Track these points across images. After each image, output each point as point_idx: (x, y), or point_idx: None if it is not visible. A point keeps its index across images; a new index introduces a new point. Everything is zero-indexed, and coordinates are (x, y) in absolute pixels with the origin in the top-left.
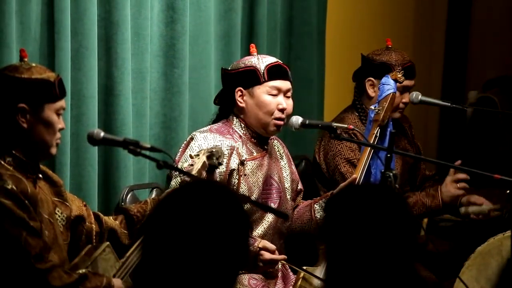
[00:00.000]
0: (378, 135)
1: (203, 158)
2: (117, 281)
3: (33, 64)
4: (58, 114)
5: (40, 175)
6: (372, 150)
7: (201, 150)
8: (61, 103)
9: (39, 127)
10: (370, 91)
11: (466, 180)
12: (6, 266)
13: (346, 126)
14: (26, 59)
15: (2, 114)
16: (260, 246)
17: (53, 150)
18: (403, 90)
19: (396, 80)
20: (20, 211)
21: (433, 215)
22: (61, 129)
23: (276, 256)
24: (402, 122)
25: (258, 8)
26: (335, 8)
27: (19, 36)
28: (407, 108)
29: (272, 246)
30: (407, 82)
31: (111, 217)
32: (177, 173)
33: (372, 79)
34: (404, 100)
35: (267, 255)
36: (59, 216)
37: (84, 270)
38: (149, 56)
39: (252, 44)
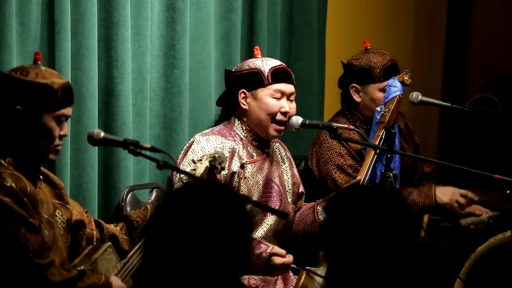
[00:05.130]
0: (383, 137)
1: (205, 163)
2: (116, 280)
3: (43, 68)
4: (60, 121)
5: (41, 176)
6: (377, 152)
7: (204, 155)
8: (64, 111)
9: (35, 132)
10: (356, 97)
11: (468, 202)
12: (5, 262)
13: (346, 126)
14: (39, 62)
15: (2, 115)
16: (271, 252)
17: (51, 156)
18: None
19: (402, 83)
20: (19, 208)
21: (424, 213)
22: (62, 136)
23: (286, 259)
24: (396, 121)
25: (258, 8)
26: (335, 8)
27: (19, 36)
28: (407, 108)
29: (282, 251)
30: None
31: (112, 224)
32: (179, 176)
33: (355, 85)
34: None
35: (277, 260)
36: (59, 218)
37: (82, 267)
38: (149, 57)
39: (256, 47)
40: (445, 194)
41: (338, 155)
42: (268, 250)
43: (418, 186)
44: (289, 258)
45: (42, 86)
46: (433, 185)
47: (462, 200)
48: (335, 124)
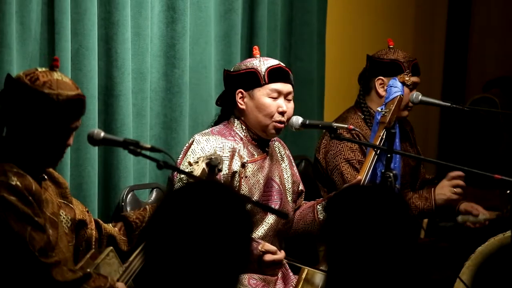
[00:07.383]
0: (384, 137)
1: (202, 165)
2: (120, 285)
3: (58, 76)
4: (66, 132)
5: (45, 176)
6: (377, 152)
7: (200, 157)
8: (70, 123)
9: (39, 140)
10: (381, 90)
11: (462, 181)
12: (11, 261)
13: (346, 126)
14: (57, 69)
15: (11, 118)
16: (263, 249)
17: (53, 163)
18: (413, 87)
19: (403, 83)
20: (24, 207)
21: (425, 217)
22: (67, 146)
23: (276, 256)
24: (404, 125)
25: (258, 8)
26: (335, 8)
27: (19, 36)
28: None
29: (273, 248)
30: (415, 79)
31: (110, 224)
32: (179, 177)
33: (382, 78)
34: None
35: (268, 257)
36: (63, 218)
37: (88, 270)
38: (149, 57)
39: (255, 46)
40: (442, 191)
41: (348, 149)
42: (259, 247)
43: (419, 190)
44: (280, 254)
45: (44, 96)
46: (432, 188)
47: (457, 182)
48: (335, 124)
